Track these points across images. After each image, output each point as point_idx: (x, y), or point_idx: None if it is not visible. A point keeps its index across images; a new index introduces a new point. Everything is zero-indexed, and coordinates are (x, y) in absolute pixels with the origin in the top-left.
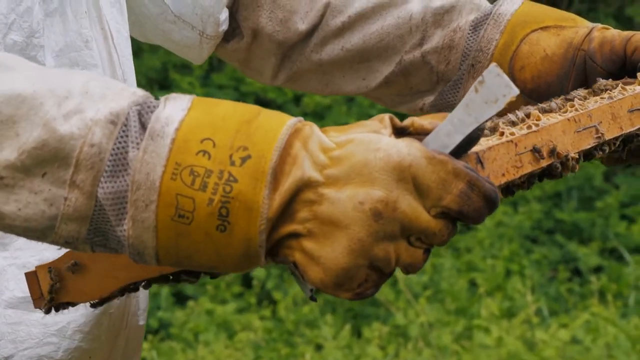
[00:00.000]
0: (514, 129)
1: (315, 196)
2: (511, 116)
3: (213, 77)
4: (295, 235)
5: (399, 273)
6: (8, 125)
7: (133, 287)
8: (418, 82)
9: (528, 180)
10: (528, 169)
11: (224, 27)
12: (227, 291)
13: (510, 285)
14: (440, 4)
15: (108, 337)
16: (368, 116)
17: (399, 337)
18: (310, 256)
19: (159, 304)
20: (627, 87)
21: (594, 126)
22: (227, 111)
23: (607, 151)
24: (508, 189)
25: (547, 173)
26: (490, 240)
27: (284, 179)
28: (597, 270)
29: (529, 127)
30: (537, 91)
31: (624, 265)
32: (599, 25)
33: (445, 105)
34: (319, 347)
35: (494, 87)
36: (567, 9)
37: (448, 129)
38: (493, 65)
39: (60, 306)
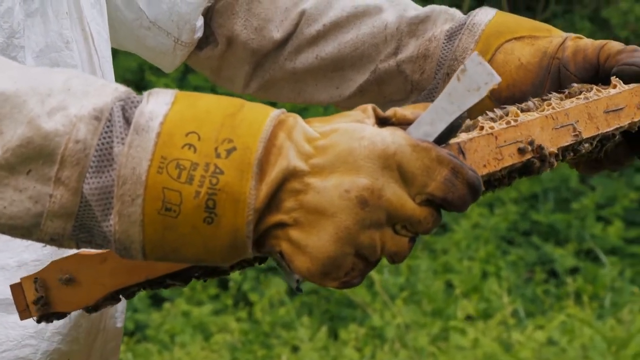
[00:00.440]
0: (493, 124)
1: (301, 185)
2: (490, 114)
3: (189, 78)
4: (282, 225)
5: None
6: None
7: (117, 297)
8: (392, 91)
9: (509, 175)
10: (509, 161)
11: (199, 34)
12: (203, 293)
13: (487, 286)
14: (415, 14)
15: (86, 339)
16: None
17: (376, 339)
18: (296, 245)
19: (135, 306)
20: (602, 90)
21: (572, 124)
22: (211, 104)
23: (584, 150)
24: (489, 182)
25: (527, 168)
26: (466, 241)
27: (270, 170)
28: (573, 271)
29: (508, 122)
30: (512, 99)
31: (600, 267)
32: (573, 35)
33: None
34: (295, 349)
35: (476, 75)
36: (544, 10)
37: (431, 117)
38: (475, 53)
39: (50, 316)
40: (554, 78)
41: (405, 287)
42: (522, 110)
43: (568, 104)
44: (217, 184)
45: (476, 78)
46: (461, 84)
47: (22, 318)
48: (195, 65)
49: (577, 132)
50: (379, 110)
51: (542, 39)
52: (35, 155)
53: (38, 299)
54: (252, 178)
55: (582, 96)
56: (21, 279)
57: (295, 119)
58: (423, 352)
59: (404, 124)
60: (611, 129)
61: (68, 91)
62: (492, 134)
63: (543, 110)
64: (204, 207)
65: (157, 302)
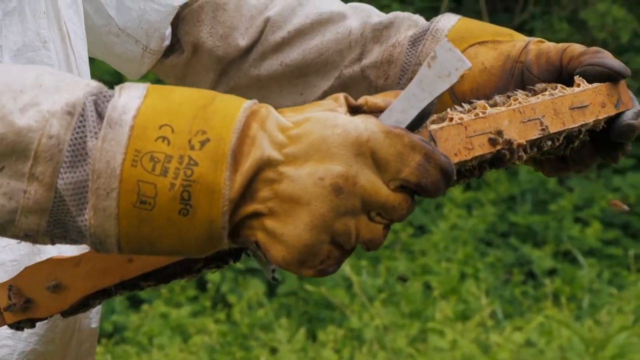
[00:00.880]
0: (462, 115)
1: (275, 175)
2: (458, 107)
3: (166, 81)
4: (257, 215)
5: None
6: None
7: (91, 303)
8: (357, 97)
9: (479, 166)
10: (479, 151)
11: (167, 42)
12: (181, 294)
13: (465, 288)
14: (378, 20)
15: (62, 340)
16: None
17: (354, 341)
18: (272, 235)
19: (113, 308)
20: (567, 88)
21: (538, 119)
22: (183, 97)
23: (551, 145)
24: (460, 172)
25: (497, 159)
26: (444, 243)
27: (244, 160)
28: (551, 273)
29: (477, 114)
30: None
31: (578, 268)
32: (535, 39)
33: None
34: (273, 351)
35: (447, 62)
36: (522, 12)
37: (402, 105)
38: (445, 40)
39: (23, 323)
40: (518, 81)
41: (384, 288)
42: (490, 105)
43: (534, 99)
44: (192, 176)
45: (447, 64)
46: (432, 71)
47: None
48: (160, 73)
49: (544, 127)
50: (351, 99)
51: (505, 43)
52: (8, 152)
53: (9, 306)
54: (226, 169)
55: (547, 93)
56: None
57: (267, 109)
58: (401, 354)
59: (375, 111)
60: (577, 125)
61: (40, 87)
62: (461, 124)
63: (510, 105)
64: (179, 199)
65: (135, 304)
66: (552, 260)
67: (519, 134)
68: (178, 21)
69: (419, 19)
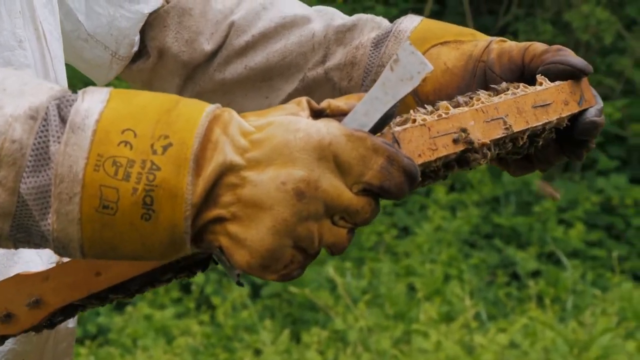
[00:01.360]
0: (425, 116)
1: (237, 180)
2: (421, 109)
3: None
4: (220, 220)
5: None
6: None
7: (61, 319)
8: (321, 99)
9: (445, 166)
10: (443, 152)
11: (136, 48)
12: (165, 296)
13: (449, 289)
14: (342, 23)
15: (39, 339)
16: None
17: (338, 342)
18: (235, 239)
19: (97, 310)
20: (529, 87)
21: (502, 118)
22: (147, 101)
23: (515, 145)
24: (424, 173)
25: (462, 160)
26: (428, 244)
27: (207, 165)
28: (535, 274)
29: (440, 115)
30: None
31: (562, 270)
32: (497, 38)
33: None
34: (257, 352)
35: (409, 65)
36: (506, 14)
37: (365, 108)
38: (407, 43)
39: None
40: (480, 81)
41: (368, 290)
42: (453, 106)
43: (497, 99)
44: (154, 180)
45: (409, 67)
46: (394, 74)
47: None
48: (126, 78)
49: (508, 126)
50: (313, 103)
51: (467, 43)
52: None
53: None
54: (188, 173)
55: (510, 92)
56: None
57: (230, 114)
58: (385, 355)
59: (338, 115)
60: (540, 123)
61: (4, 91)
62: (425, 125)
63: (473, 105)
64: (142, 203)
65: (119, 305)
66: (536, 261)
67: (483, 133)
68: (145, 26)
69: (383, 21)
